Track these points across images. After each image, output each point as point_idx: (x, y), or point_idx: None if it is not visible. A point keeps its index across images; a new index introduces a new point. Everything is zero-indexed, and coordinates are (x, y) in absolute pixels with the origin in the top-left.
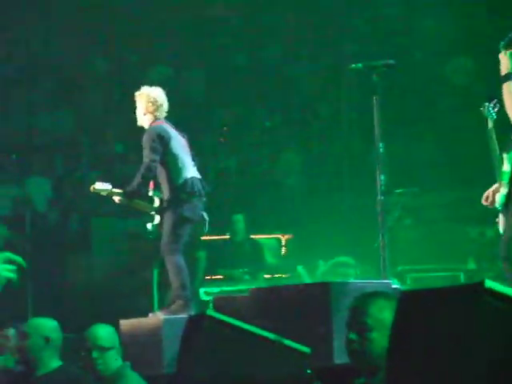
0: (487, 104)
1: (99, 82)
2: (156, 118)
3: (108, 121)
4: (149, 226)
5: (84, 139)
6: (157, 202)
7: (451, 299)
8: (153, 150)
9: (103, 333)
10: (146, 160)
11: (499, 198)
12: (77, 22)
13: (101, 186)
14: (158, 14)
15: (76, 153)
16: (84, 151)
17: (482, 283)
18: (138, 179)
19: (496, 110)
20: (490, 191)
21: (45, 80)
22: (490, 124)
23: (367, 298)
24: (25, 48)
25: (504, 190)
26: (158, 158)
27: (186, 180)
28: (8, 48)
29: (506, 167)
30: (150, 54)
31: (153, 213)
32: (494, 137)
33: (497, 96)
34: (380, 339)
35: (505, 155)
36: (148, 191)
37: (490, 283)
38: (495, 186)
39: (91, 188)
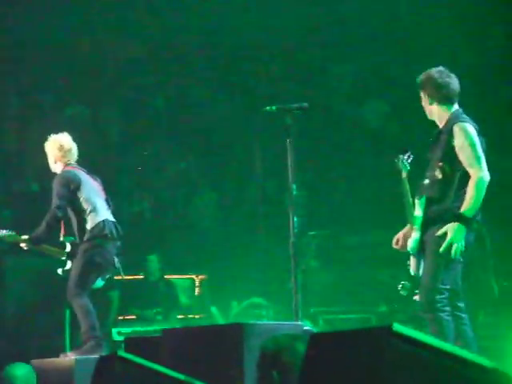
0: (401, 156)
1: (14, 120)
2: (66, 164)
3: (24, 159)
4: (59, 271)
5: None
6: (68, 247)
7: (359, 342)
8: (59, 196)
9: (20, 373)
10: (52, 207)
11: (411, 243)
12: None
13: (2, 234)
14: (74, 53)
15: None
16: None
17: (389, 326)
18: (43, 226)
19: (409, 160)
20: (400, 235)
21: None
22: (404, 174)
23: (280, 339)
24: None
25: (416, 235)
26: (64, 203)
27: (97, 223)
28: None
29: (417, 212)
30: (65, 94)
31: (64, 258)
32: (408, 185)
33: (410, 146)
34: (293, 381)
35: (417, 201)
36: (59, 237)
37: (397, 326)
38: (405, 229)
39: None
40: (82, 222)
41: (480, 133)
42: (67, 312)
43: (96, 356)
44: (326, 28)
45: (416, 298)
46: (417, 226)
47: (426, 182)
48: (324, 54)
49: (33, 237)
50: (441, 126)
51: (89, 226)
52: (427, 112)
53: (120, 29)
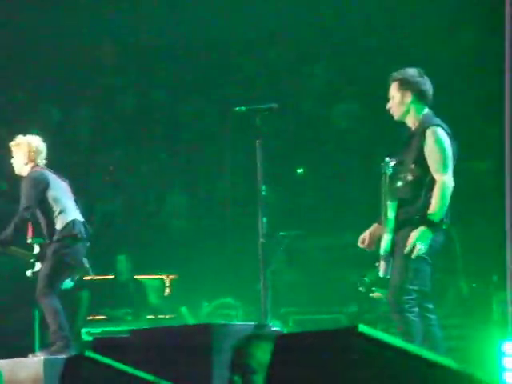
0: (387, 160)
1: None
2: (35, 165)
3: None
4: (28, 273)
5: None
6: (36, 249)
7: (326, 343)
8: (28, 197)
9: None
10: (20, 208)
11: (384, 245)
12: None
13: None
14: (45, 53)
15: None
16: None
17: (355, 327)
18: (11, 228)
19: (392, 164)
20: (366, 234)
21: None
22: (387, 178)
23: (251, 340)
24: None
25: (388, 237)
26: (32, 204)
27: (67, 223)
28: None
29: (390, 214)
30: (36, 93)
31: (32, 260)
32: (387, 187)
33: (380, 147)
34: (263, 382)
35: (389, 203)
36: (26, 238)
37: (363, 327)
38: (372, 228)
39: None
40: (51, 222)
41: (452, 136)
42: (36, 312)
43: (64, 356)
44: (300, 27)
45: (374, 295)
46: (389, 228)
47: (399, 184)
48: (296, 53)
49: (1, 239)
50: (413, 128)
51: (58, 227)
52: (397, 112)
53: (90, 30)
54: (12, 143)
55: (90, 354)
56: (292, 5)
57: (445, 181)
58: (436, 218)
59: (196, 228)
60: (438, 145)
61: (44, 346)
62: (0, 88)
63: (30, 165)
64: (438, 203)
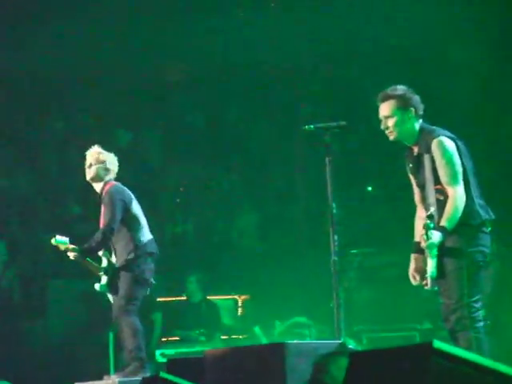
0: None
1: (56, 144)
2: (110, 180)
3: (64, 182)
4: (97, 286)
5: (40, 201)
6: (104, 263)
7: (400, 360)
8: (114, 210)
9: None
10: (106, 223)
11: (430, 270)
12: (30, 83)
13: (60, 239)
14: (114, 76)
15: (32, 214)
16: (40, 212)
17: (430, 343)
18: (97, 238)
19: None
20: (412, 272)
21: (1, 141)
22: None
23: (328, 356)
24: None
25: (433, 262)
26: (119, 218)
27: (148, 241)
28: None
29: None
30: (105, 115)
31: (101, 273)
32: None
33: None
34: None
35: (424, 231)
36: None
37: (438, 343)
38: (412, 264)
39: (52, 240)
40: (132, 237)
41: (457, 139)
42: (110, 334)
43: (139, 378)
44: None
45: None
46: (432, 254)
47: (432, 210)
48: (363, 72)
49: (85, 248)
50: (414, 146)
51: (139, 243)
52: (397, 132)
53: (160, 51)
54: (91, 152)
55: (164, 375)
56: (358, 23)
57: (457, 193)
58: (450, 227)
59: (267, 247)
60: (446, 157)
61: (119, 369)
62: (69, 113)
63: (106, 178)
64: (450, 216)
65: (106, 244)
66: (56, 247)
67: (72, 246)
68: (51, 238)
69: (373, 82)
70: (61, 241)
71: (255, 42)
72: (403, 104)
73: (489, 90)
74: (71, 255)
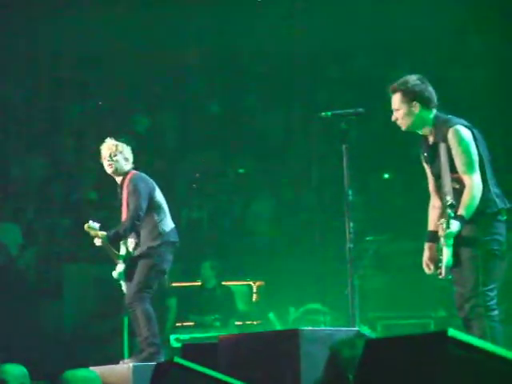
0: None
1: (72, 129)
2: (130, 169)
3: (80, 168)
4: (115, 274)
5: (56, 186)
6: (123, 251)
7: (415, 347)
8: (140, 198)
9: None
10: (134, 208)
11: (446, 259)
12: (47, 68)
13: (93, 225)
14: (132, 62)
15: (47, 199)
16: (56, 197)
17: (445, 332)
18: (126, 225)
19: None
20: (426, 261)
21: (16, 127)
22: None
23: (344, 343)
24: None
25: (449, 251)
26: (145, 205)
27: (171, 229)
28: None
29: (441, 232)
30: (124, 102)
31: (119, 261)
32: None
33: None
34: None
35: (443, 220)
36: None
37: (453, 332)
38: (426, 253)
39: (85, 225)
40: (156, 225)
41: (473, 127)
42: (125, 319)
43: (154, 363)
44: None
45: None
46: (448, 243)
47: (448, 199)
48: (383, 59)
49: (112, 234)
50: (430, 136)
51: (162, 231)
52: (405, 124)
53: (176, 36)
54: (113, 142)
55: (179, 360)
56: (374, 10)
57: (474, 182)
58: (467, 216)
59: (282, 234)
60: (462, 146)
61: (133, 353)
62: (86, 98)
63: (128, 166)
64: (467, 205)
65: (134, 231)
66: (88, 232)
67: (101, 233)
68: (85, 224)
69: (391, 68)
70: (93, 226)
71: (273, 28)
72: (408, 97)
73: (506, 78)
74: (98, 242)
